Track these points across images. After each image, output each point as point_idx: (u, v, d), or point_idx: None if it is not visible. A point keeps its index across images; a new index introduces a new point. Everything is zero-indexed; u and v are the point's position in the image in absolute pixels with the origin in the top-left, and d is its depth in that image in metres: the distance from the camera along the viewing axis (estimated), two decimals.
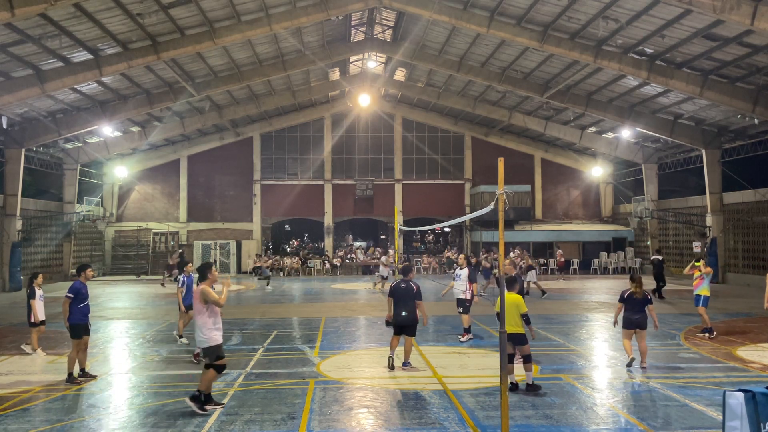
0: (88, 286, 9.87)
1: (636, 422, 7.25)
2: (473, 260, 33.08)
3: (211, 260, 33.76)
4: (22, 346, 11.79)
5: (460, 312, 12.65)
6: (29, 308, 11.52)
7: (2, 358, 11.33)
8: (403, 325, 9.82)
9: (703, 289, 12.86)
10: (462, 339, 12.42)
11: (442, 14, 20.73)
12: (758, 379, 9.25)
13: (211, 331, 7.69)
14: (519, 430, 6.94)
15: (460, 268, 12.92)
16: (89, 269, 10.04)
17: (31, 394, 8.71)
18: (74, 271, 30.32)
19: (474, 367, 10.15)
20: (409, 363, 9.94)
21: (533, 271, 21.51)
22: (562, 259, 32.44)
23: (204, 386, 7.72)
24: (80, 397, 8.56)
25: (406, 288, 9.86)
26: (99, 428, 7.22)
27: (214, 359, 7.74)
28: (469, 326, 12.65)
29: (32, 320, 11.53)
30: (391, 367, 9.80)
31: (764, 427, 4.34)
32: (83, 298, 9.57)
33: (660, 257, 21.38)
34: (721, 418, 4.65)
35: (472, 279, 12.69)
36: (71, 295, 9.45)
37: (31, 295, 11.55)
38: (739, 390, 4.44)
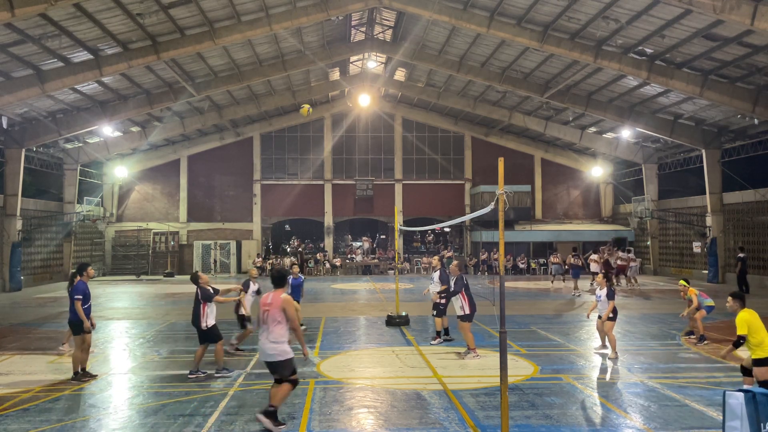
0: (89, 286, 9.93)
1: (636, 422, 7.26)
2: (472, 262, 33.28)
3: (211, 260, 33.84)
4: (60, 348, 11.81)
5: (433, 315, 12.48)
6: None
7: (2, 358, 11.33)
8: None
9: (707, 302, 12.43)
10: (433, 342, 12.23)
11: (442, 14, 20.73)
12: None
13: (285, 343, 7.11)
14: (519, 430, 6.94)
15: (434, 270, 12.81)
16: (90, 267, 10.11)
17: (31, 394, 8.71)
18: (74, 270, 30.46)
19: (474, 367, 10.15)
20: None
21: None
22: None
23: (280, 402, 7.17)
24: (80, 397, 8.57)
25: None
26: (99, 428, 7.23)
27: (291, 373, 7.15)
28: (441, 330, 12.41)
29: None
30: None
31: (764, 427, 4.35)
32: (87, 298, 9.63)
33: (742, 255, 22.38)
34: (721, 418, 4.66)
35: (443, 281, 12.11)
36: (80, 297, 9.50)
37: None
38: (739, 390, 4.45)
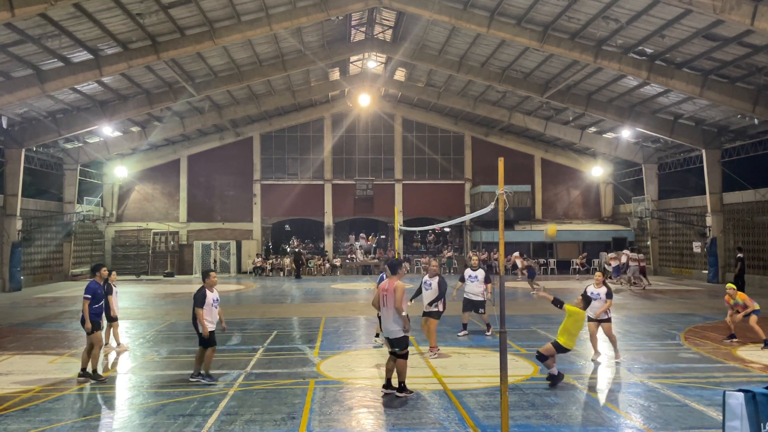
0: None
1: (636, 422, 7.25)
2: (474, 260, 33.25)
3: (211, 260, 33.83)
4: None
5: (481, 313, 13.10)
6: (107, 304, 11.09)
7: (2, 358, 11.33)
8: None
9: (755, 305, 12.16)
10: (488, 333, 13.10)
11: (442, 14, 20.73)
12: (758, 379, 9.25)
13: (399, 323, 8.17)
14: (519, 430, 6.94)
15: (473, 269, 13.16)
16: (104, 268, 10.18)
17: (31, 394, 8.71)
18: (75, 271, 30.46)
19: (474, 367, 10.15)
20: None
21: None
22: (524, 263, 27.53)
23: (405, 376, 8.25)
24: (80, 397, 8.56)
25: None
26: (99, 428, 7.23)
27: (405, 347, 8.21)
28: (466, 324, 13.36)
29: (110, 315, 11.55)
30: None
31: (764, 427, 4.34)
32: (98, 299, 9.64)
33: (741, 255, 22.38)
34: (721, 418, 4.65)
35: (488, 280, 13.13)
36: (89, 296, 9.51)
37: (109, 291, 11.47)
38: (739, 390, 4.44)
